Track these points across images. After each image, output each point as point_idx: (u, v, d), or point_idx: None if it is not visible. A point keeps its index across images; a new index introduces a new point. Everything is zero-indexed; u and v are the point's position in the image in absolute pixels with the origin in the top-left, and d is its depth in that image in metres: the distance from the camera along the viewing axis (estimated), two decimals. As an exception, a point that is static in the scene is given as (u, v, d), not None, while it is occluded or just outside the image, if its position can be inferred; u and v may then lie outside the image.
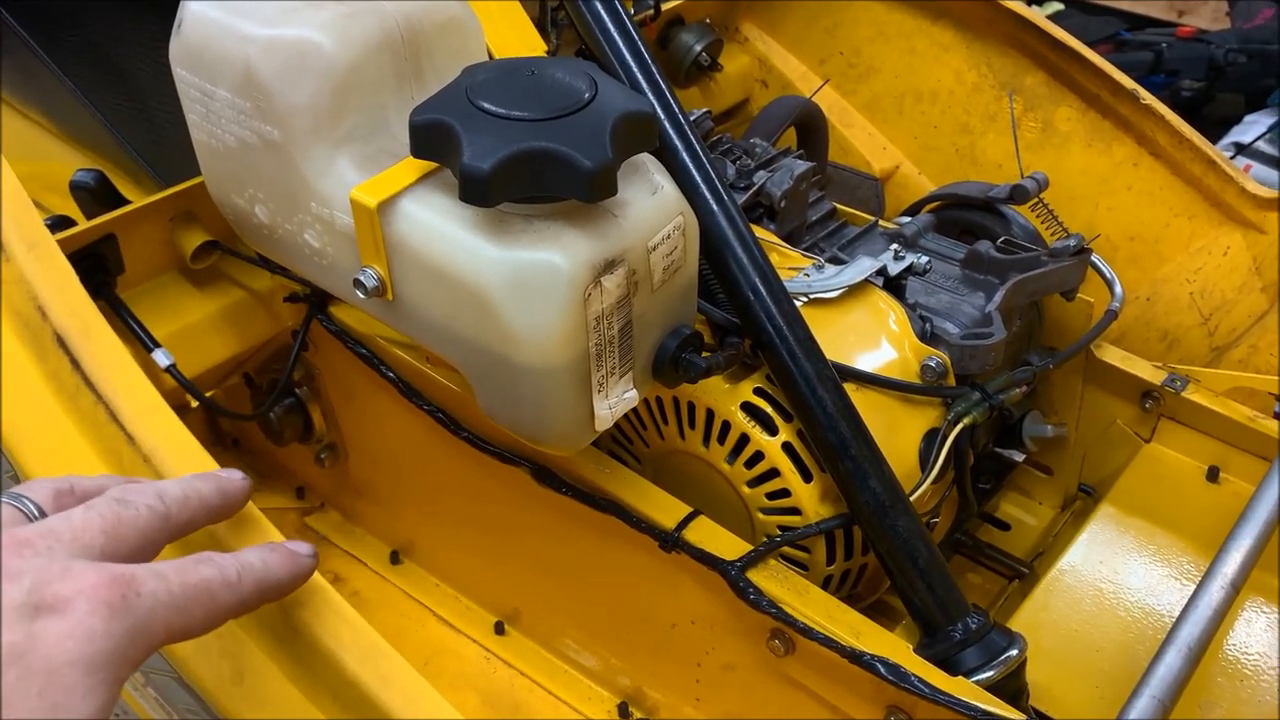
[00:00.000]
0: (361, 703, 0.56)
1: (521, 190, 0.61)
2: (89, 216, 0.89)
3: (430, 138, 0.62)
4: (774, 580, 0.75)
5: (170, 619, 0.44)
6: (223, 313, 0.95)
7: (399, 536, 1.08)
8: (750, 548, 0.76)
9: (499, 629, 1.00)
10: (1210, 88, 2.51)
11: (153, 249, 0.92)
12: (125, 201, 0.92)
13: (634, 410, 0.82)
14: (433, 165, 0.66)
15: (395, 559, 1.08)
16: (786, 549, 0.81)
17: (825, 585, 0.81)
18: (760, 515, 0.82)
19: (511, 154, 0.59)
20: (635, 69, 0.78)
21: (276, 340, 1.00)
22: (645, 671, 0.91)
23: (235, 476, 0.56)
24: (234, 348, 0.96)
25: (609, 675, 0.94)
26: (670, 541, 0.78)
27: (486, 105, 0.61)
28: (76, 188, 0.91)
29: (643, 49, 0.79)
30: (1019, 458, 1.05)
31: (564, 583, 0.93)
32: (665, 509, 0.79)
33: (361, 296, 0.69)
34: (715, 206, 0.76)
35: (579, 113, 0.61)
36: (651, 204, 0.66)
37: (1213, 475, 0.95)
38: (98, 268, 0.87)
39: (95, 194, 0.92)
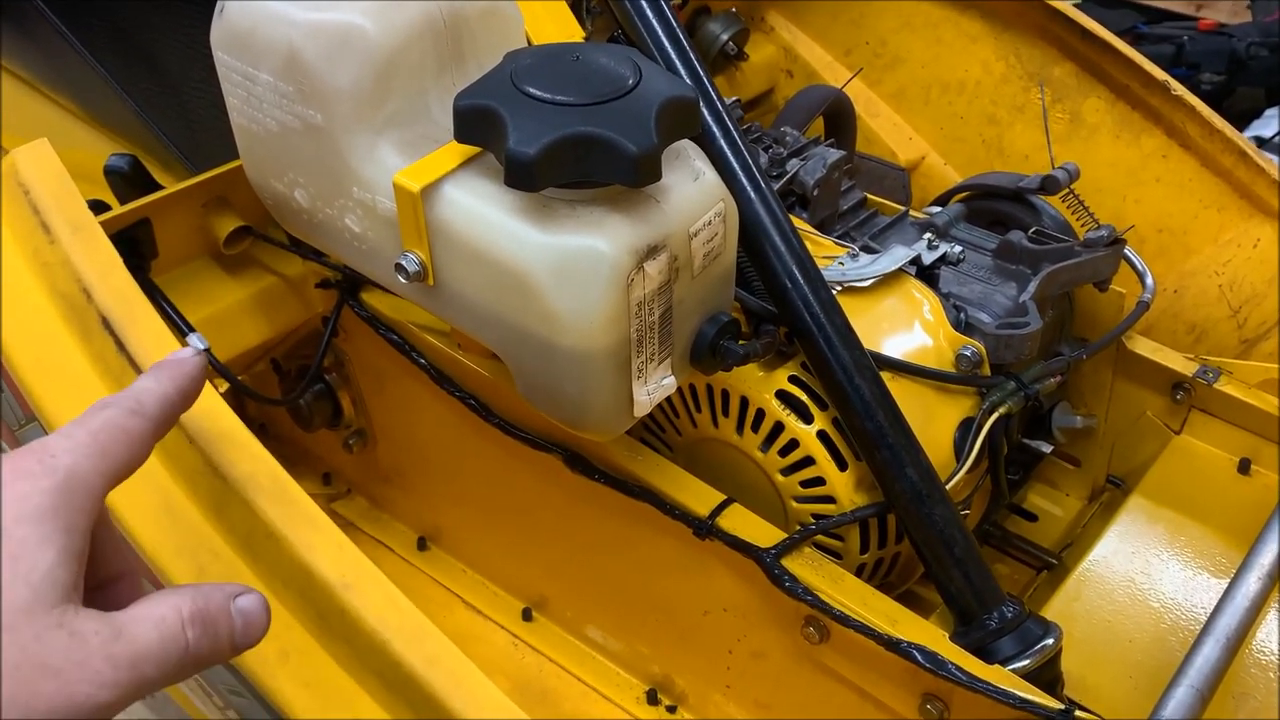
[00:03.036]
0: (407, 683, 0.56)
1: (567, 175, 0.61)
2: (122, 201, 0.90)
3: (475, 122, 0.62)
4: (809, 568, 0.76)
5: (95, 463, 0.46)
6: (255, 298, 0.96)
7: (426, 523, 1.08)
8: (784, 536, 0.77)
9: (526, 615, 1.01)
10: (1230, 81, 2.50)
11: (186, 234, 0.92)
12: (159, 186, 0.92)
13: (667, 398, 0.82)
14: (476, 150, 0.66)
15: (422, 545, 1.08)
16: (820, 538, 0.80)
17: (858, 573, 0.81)
18: (794, 504, 0.82)
19: (558, 139, 0.59)
20: (674, 55, 0.78)
21: (306, 327, 1.01)
22: (674, 658, 0.91)
23: (186, 355, 0.55)
24: (265, 333, 0.97)
25: (637, 662, 0.94)
26: (704, 529, 0.78)
27: (531, 90, 0.61)
28: (111, 172, 0.92)
29: (681, 36, 0.79)
30: (1047, 449, 1.05)
31: (593, 570, 0.94)
32: (699, 496, 0.80)
33: (403, 281, 0.69)
34: (753, 194, 0.76)
35: (624, 98, 0.61)
36: (693, 190, 0.66)
37: (1244, 467, 0.95)
38: (132, 252, 0.88)
39: (129, 179, 0.92)
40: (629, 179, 0.60)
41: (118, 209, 0.87)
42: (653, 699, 0.93)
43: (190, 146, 1.07)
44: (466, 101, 0.62)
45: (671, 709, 0.93)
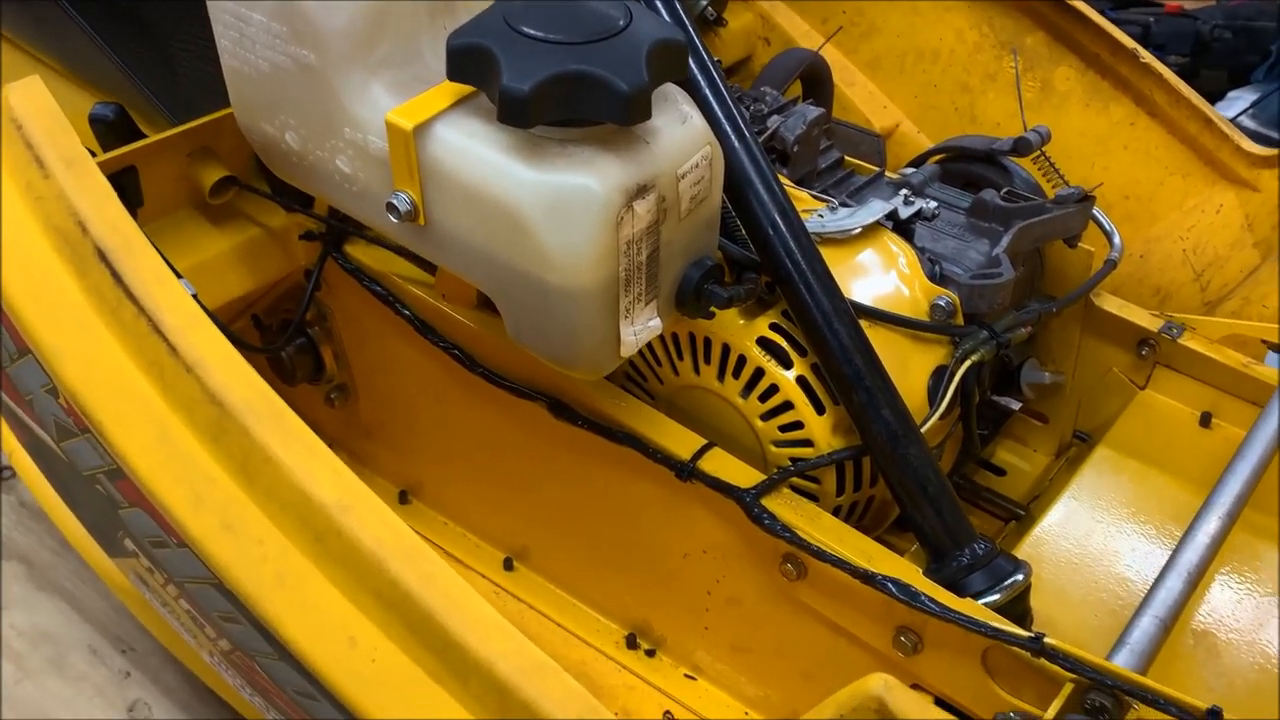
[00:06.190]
0: (404, 601, 0.57)
1: (559, 112, 0.62)
2: (107, 150, 0.90)
3: (468, 61, 0.63)
4: (788, 507, 0.78)
5: None
6: (238, 249, 0.96)
7: (408, 477, 1.09)
8: (764, 477, 0.79)
9: (508, 565, 1.02)
10: (1195, 63, 2.54)
11: (171, 184, 0.93)
12: (143, 136, 0.92)
13: (649, 345, 0.84)
14: (468, 90, 0.67)
15: (404, 499, 1.09)
16: (797, 481, 0.83)
17: (834, 515, 0.83)
18: (773, 448, 0.84)
19: (550, 76, 0.60)
20: (660, 6, 0.79)
21: (289, 280, 1.01)
22: (654, 602, 0.93)
23: None
24: (249, 284, 0.97)
25: (617, 608, 0.96)
26: (687, 471, 0.80)
27: (524, 29, 0.62)
28: (96, 120, 0.92)
29: (667, -12, 0.80)
30: (1015, 405, 1.07)
31: (574, 518, 0.95)
32: (681, 441, 0.81)
33: (394, 221, 0.70)
34: (737, 143, 0.78)
35: (615, 38, 0.63)
36: (681, 133, 0.68)
37: (1205, 421, 0.98)
38: (118, 199, 0.88)
39: (114, 127, 0.92)
40: (621, 117, 0.62)
41: (102, 155, 0.87)
42: (632, 643, 0.95)
43: (175, 101, 1.07)
44: (460, 40, 0.63)
45: (650, 652, 0.95)
